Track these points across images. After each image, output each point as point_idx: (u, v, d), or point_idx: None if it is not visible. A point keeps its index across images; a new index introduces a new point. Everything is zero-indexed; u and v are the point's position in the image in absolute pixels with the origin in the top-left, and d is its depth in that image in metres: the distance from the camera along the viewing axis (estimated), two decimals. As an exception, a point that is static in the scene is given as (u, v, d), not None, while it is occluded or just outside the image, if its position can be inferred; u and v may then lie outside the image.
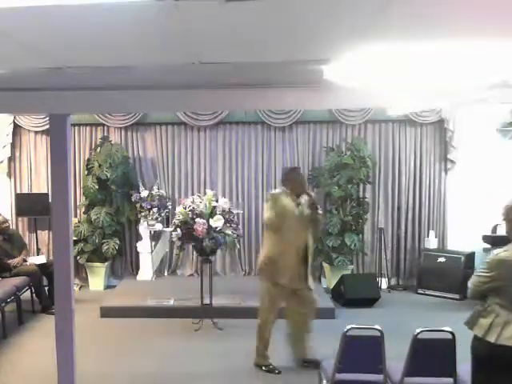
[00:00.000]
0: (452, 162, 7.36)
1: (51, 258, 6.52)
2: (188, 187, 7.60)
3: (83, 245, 7.17)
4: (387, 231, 7.51)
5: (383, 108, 6.67)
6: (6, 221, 6.57)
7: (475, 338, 2.95)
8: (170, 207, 7.30)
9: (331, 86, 2.80)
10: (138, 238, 7.48)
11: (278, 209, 4.38)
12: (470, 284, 3.02)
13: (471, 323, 2.99)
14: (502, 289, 2.86)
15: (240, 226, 5.87)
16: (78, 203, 7.49)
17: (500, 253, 2.87)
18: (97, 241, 7.15)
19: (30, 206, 7.27)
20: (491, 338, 2.84)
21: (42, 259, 6.59)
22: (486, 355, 2.91)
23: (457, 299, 6.70)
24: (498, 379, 2.87)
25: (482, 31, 1.84)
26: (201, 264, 5.87)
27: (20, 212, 7.38)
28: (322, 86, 2.84)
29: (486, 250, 6.41)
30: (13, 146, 7.51)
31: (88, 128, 7.58)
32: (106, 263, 7.34)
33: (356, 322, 3.42)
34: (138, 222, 7.43)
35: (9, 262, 6.24)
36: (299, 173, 4.84)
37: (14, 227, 7.33)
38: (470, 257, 6.90)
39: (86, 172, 7.29)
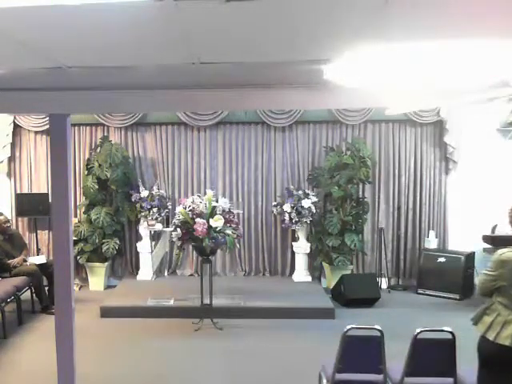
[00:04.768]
0: (452, 161, 7.36)
1: (51, 257, 6.52)
2: (188, 187, 7.60)
3: (83, 245, 7.17)
4: (387, 231, 7.51)
5: (383, 108, 6.67)
6: (7, 220, 6.59)
7: (481, 335, 2.97)
8: (170, 207, 7.30)
9: (331, 86, 2.80)
10: (138, 238, 7.48)
11: None
12: (477, 281, 3.03)
13: (476, 319, 3.01)
14: (504, 288, 2.87)
15: (240, 226, 5.86)
16: (78, 203, 7.49)
17: (505, 253, 2.87)
18: (97, 241, 7.15)
19: (30, 206, 7.27)
20: (490, 336, 2.86)
21: (41, 259, 6.59)
22: (486, 353, 2.94)
23: (457, 299, 6.70)
24: (497, 377, 2.89)
25: (482, 31, 1.84)
26: (201, 264, 5.87)
27: (20, 212, 7.38)
28: (322, 86, 2.84)
29: (485, 250, 6.41)
30: (13, 145, 7.52)
31: (88, 128, 7.58)
32: (106, 263, 7.34)
33: (356, 322, 3.42)
34: (138, 222, 7.44)
35: (9, 262, 6.25)
36: None
37: (14, 227, 7.33)
38: (470, 257, 6.90)
39: (86, 172, 7.29)
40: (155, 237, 7.39)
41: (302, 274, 7.32)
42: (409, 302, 6.81)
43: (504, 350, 2.82)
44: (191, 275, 7.60)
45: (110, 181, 7.14)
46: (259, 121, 7.41)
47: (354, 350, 3.30)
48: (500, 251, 2.90)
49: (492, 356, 2.90)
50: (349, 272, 7.12)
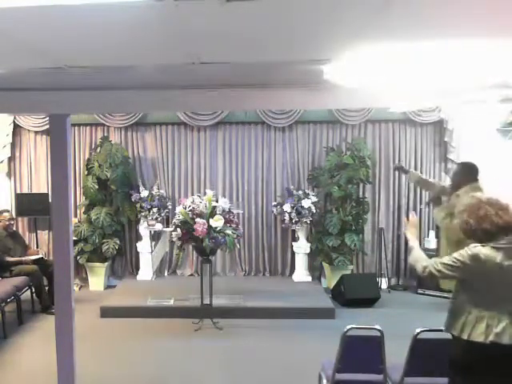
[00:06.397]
0: (452, 161, 7.35)
1: (51, 257, 6.52)
2: (188, 187, 7.60)
3: (83, 245, 7.16)
4: (387, 231, 7.51)
5: (383, 108, 6.66)
6: (12, 218, 6.71)
7: (452, 337, 2.85)
8: (170, 207, 7.30)
9: (331, 86, 2.80)
10: (138, 238, 7.48)
11: None
12: (425, 262, 2.83)
13: (446, 325, 2.90)
14: (472, 285, 2.75)
15: (240, 226, 5.86)
16: (78, 203, 7.49)
17: (477, 246, 2.77)
18: (97, 241, 7.15)
19: (30, 205, 7.27)
20: (464, 336, 2.76)
21: (37, 256, 6.57)
22: (460, 355, 2.82)
23: (457, 299, 6.69)
24: (474, 379, 2.79)
25: (481, 31, 1.84)
26: (201, 264, 5.87)
27: (20, 212, 7.38)
28: (322, 86, 2.84)
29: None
30: (13, 145, 7.52)
31: (88, 128, 7.58)
32: (106, 263, 7.34)
33: (356, 322, 3.42)
34: (138, 222, 7.44)
35: (9, 259, 6.25)
36: None
37: (14, 228, 7.33)
38: (470, 257, 6.89)
39: (86, 172, 7.29)
40: (155, 237, 7.38)
41: (301, 273, 7.31)
42: (409, 301, 6.81)
43: (477, 347, 2.71)
44: (191, 275, 7.60)
45: (110, 181, 7.14)
46: (259, 121, 7.41)
47: (354, 350, 3.30)
48: (473, 244, 2.80)
49: (465, 356, 2.78)
50: (349, 272, 7.12)
